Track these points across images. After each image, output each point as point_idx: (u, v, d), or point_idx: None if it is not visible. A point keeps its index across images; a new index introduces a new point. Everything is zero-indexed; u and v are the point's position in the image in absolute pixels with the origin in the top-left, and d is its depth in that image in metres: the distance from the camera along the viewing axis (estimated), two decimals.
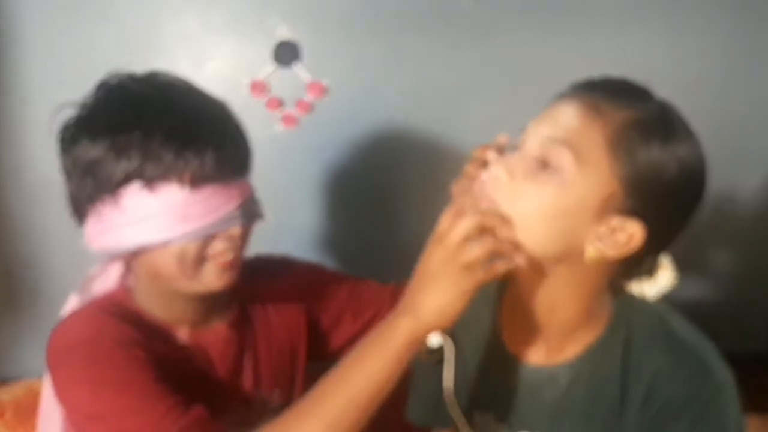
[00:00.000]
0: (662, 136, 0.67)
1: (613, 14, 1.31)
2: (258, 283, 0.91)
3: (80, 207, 0.81)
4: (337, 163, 1.37)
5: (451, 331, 0.83)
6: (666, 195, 0.68)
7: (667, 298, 0.78)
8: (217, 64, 1.30)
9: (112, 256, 0.84)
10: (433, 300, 0.66)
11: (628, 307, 0.76)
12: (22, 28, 1.27)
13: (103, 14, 1.28)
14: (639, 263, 0.72)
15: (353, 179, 1.38)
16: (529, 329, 0.77)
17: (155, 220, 0.76)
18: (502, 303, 0.82)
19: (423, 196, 1.36)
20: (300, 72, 1.32)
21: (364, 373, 0.68)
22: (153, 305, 0.85)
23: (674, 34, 1.33)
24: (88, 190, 0.78)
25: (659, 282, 0.77)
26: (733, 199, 1.41)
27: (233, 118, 0.83)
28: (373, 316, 1.01)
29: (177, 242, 0.77)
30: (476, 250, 0.64)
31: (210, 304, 0.86)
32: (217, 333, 0.87)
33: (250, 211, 0.82)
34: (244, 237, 0.82)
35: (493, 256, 0.65)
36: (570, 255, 0.69)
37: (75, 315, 0.85)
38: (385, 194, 1.40)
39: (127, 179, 0.75)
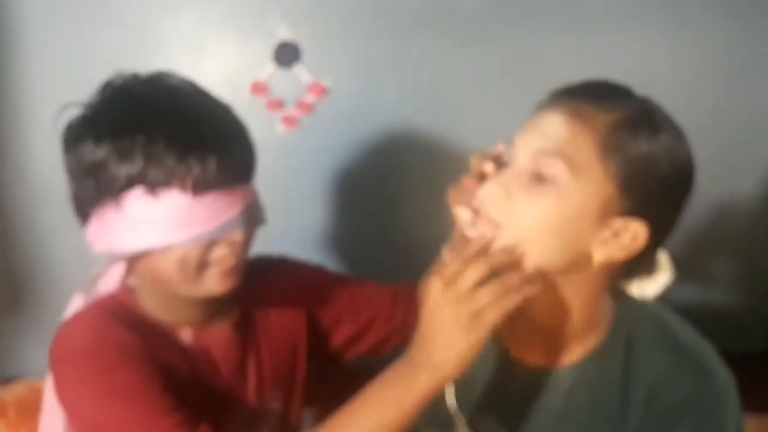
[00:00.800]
0: (648, 131, 0.67)
1: (613, 15, 1.31)
2: (258, 284, 0.91)
3: (83, 207, 0.82)
4: (338, 164, 1.37)
5: None
6: (661, 188, 0.68)
7: (666, 299, 0.78)
8: (217, 64, 1.31)
9: (114, 258, 0.84)
10: (450, 352, 0.65)
11: (628, 310, 0.76)
12: (23, 30, 1.27)
13: (104, 15, 1.28)
14: (641, 262, 0.73)
15: (354, 180, 1.38)
16: (532, 334, 0.77)
17: (157, 225, 0.75)
18: None
19: (424, 196, 1.36)
20: (300, 73, 1.32)
21: (378, 421, 0.68)
22: (155, 307, 0.85)
23: (673, 34, 1.33)
24: (91, 191, 0.78)
25: (659, 280, 0.77)
26: (730, 201, 1.41)
27: (238, 123, 0.82)
28: (372, 318, 1.01)
29: (178, 247, 0.77)
30: (487, 297, 0.64)
31: (212, 306, 0.86)
32: (220, 334, 0.87)
33: (252, 217, 0.81)
34: (246, 242, 0.82)
35: (504, 294, 0.65)
36: (577, 263, 0.69)
37: (79, 318, 0.85)
38: (387, 195, 1.40)
39: (129, 183, 0.75)
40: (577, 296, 0.72)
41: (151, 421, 0.74)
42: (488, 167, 0.74)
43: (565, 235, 0.68)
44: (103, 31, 1.28)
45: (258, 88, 1.32)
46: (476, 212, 0.71)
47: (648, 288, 0.77)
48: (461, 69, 1.34)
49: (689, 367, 0.72)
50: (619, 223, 0.68)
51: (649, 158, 0.67)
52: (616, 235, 0.68)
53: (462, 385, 0.81)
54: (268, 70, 1.32)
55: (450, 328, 0.65)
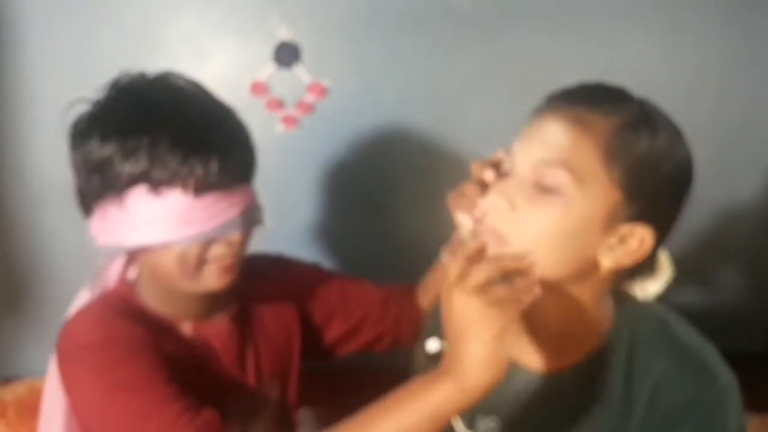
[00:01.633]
0: (649, 133, 0.67)
1: (612, 15, 1.32)
2: (254, 281, 0.92)
3: (87, 202, 0.83)
4: (337, 163, 1.38)
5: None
6: (664, 190, 0.68)
7: (666, 300, 0.78)
8: (217, 64, 1.31)
9: (116, 252, 0.85)
10: (474, 354, 0.61)
11: (630, 312, 0.76)
12: (24, 30, 1.27)
13: (104, 15, 1.28)
14: (645, 264, 0.72)
15: (354, 180, 1.38)
16: (533, 337, 0.77)
17: (158, 222, 0.77)
18: None
19: (424, 196, 1.36)
20: (300, 73, 1.33)
21: (398, 426, 0.64)
22: (156, 300, 0.87)
23: (672, 35, 1.33)
24: (95, 187, 0.80)
25: (659, 279, 0.77)
26: (730, 201, 1.41)
27: (240, 125, 0.84)
28: (364, 316, 1.03)
29: (178, 245, 0.79)
30: (501, 290, 0.62)
31: (211, 301, 0.88)
32: (220, 326, 0.89)
33: (251, 217, 0.83)
34: (244, 242, 0.84)
35: (516, 292, 0.63)
36: (585, 271, 0.69)
37: (84, 313, 0.86)
38: (386, 195, 1.40)
39: (133, 182, 0.77)
40: (581, 301, 0.72)
41: (156, 409, 0.75)
42: (489, 175, 0.73)
43: (572, 245, 0.67)
44: (103, 32, 1.28)
45: (258, 88, 1.33)
46: (479, 222, 0.70)
47: (650, 288, 0.77)
48: (460, 69, 1.34)
49: (691, 369, 0.71)
50: (625, 228, 0.67)
51: (652, 160, 0.67)
52: (622, 241, 0.68)
53: None
54: (268, 70, 1.32)
55: (468, 323, 0.62)
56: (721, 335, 0.79)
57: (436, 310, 0.90)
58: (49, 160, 1.30)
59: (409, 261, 1.43)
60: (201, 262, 0.81)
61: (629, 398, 0.72)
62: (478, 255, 0.64)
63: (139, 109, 0.79)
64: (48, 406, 0.93)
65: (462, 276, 0.62)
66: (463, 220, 0.73)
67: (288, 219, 1.35)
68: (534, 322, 0.75)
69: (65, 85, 1.28)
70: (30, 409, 1.25)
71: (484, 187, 0.73)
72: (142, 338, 0.81)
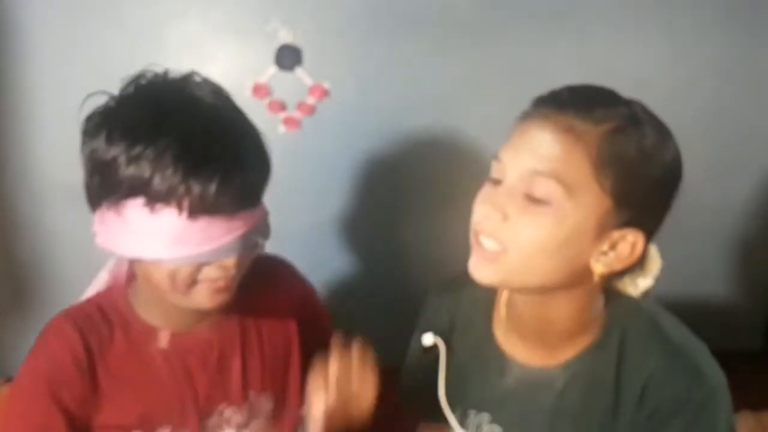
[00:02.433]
0: (638, 137, 0.67)
1: (612, 16, 1.32)
2: (253, 287, 0.89)
3: (91, 198, 0.81)
4: (338, 165, 1.38)
5: (444, 334, 0.83)
6: (654, 193, 0.68)
7: (662, 298, 0.79)
8: (219, 66, 1.31)
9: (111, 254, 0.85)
10: None
11: (621, 310, 0.76)
12: (29, 32, 1.28)
13: (108, 18, 1.29)
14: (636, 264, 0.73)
15: (355, 181, 1.39)
16: (526, 336, 0.77)
17: (151, 238, 0.75)
18: (496, 307, 0.82)
19: (424, 197, 1.37)
20: (302, 75, 1.33)
21: None
22: (143, 306, 0.86)
23: (673, 34, 1.34)
24: (97, 188, 0.79)
25: (650, 273, 0.77)
26: (730, 200, 1.42)
27: (256, 145, 0.80)
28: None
29: (169, 263, 0.77)
30: None
31: (200, 313, 0.86)
32: (197, 337, 0.87)
33: (252, 240, 0.80)
34: (240, 265, 0.80)
35: None
36: (578, 277, 0.70)
37: (51, 325, 0.86)
38: (386, 195, 1.41)
39: (131, 191, 0.75)
40: (573, 303, 0.73)
41: None
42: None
43: (565, 254, 0.67)
44: (108, 34, 1.29)
45: (259, 90, 1.33)
46: (475, 234, 0.71)
47: (641, 283, 0.77)
48: (460, 71, 1.34)
49: (681, 367, 0.72)
50: (616, 234, 0.68)
51: (642, 166, 0.67)
52: (614, 247, 0.68)
53: (456, 382, 0.82)
54: (269, 72, 1.33)
55: None
56: (719, 333, 0.80)
57: (428, 307, 0.91)
58: (53, 160, 1.30)
59: (409, 260, 1.43)
60: (193, 281, 0.78)
61: (619, 395, 0.73)
62: None
63: (150, 116, 0.75)
64: None
65: None
66: (318, 402, 0.76)
67: (290, 220, 1.36)
68: (525, 321, 0.76)
69: (68, 86, 1.29)
70: None
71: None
72: (58, 381, 0.81)
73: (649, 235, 0.70)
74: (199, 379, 0.87)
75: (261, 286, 0.91)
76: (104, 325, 0.85)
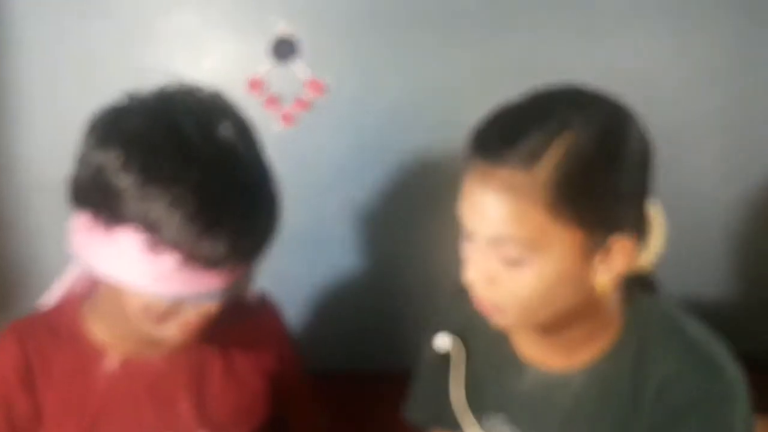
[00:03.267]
0: (579, 155, 0.64)
1: (616, 14, 1.31)
2: (230, 320, 0.83)
3: (77, 198, 0.75)
4: (336, 162, 1.36)
5: (460, 336, 0.83)
6: (623, 195, 0.67)
7: (678, 299, 0.78)
8: (214, 60, 1.29)
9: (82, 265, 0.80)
10: None
11: (639, 310, 0.76)
12: (16, 25, 1.25)
13: (100, 10, 1.26)
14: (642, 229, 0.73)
15: (352, 179, 1.37)
16: (542, 340, 0.77)
17: (140, 270, 0.71)
18: None
19: (424, 195, 1.36)
20: (299, 69, 1.31)
21: None
22: (99, 322, 0.83)
23: (678, 33, 1.32)
24: (91, 197, 0.73)
25: (657, 235, 0.76)
26: (736, 199, 1.41)
27: (270, 204, 0.78)
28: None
29: (146, 296, 0.73)
30: None
31: (160, 343, 0.82)
32: (149, 365, 0.84)
33: (235, 289, 0.77)
34: (219, 309, 0.77)
35: None
36: (584, 296, 0.70)
37: (6, 332, 0.83)
38: (385, 194, 1.39)
39: (132, 225, 0.70)
40: (589, 312, 0.73)
41: None
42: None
43: (561, 292, 0.69)
44: (100, 26, 1.26)
45: (255, 85, 1.31)
46: (470, 289, 0.72)
47: (651, 247, 0.76)
48: (461, 66, 1.33)
49: (699, 364, 0.71)
50: (601, 250, 0.68)
51: (594, 179, 0.65)
52: (605, 259, 0.68)
53: (471, 384, 0.81)
54: (265, 66, 1.30)
55: None
56: (728, 337, 0.78)
57: (440, 311, 0.90)
58: (41, 158, 1.27)
59: (409, 258, 1.42)
60: (166, 316, 0.75)
61: (638, 394, 0.73)
62: None
63: (171, 152, 0.69)
64: None
65: None
66: None
67: (285, 217, 1.34)
68: (541, 327, 0.75)
69: (59, 83, 1.27)
70: None
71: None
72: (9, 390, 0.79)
73: (637, 226, 0.69)
74: (145, 409, 0.84)
75: (240, 321, 0.88)
76: (51, 340, 0.81)
